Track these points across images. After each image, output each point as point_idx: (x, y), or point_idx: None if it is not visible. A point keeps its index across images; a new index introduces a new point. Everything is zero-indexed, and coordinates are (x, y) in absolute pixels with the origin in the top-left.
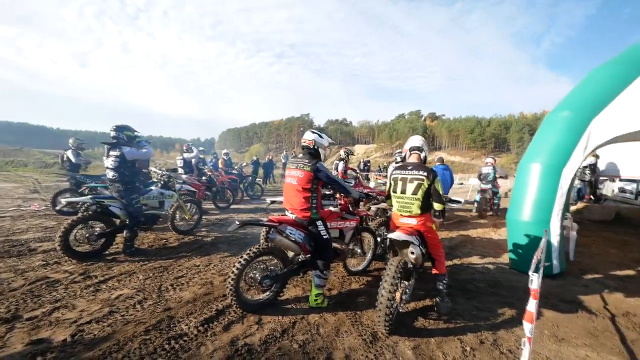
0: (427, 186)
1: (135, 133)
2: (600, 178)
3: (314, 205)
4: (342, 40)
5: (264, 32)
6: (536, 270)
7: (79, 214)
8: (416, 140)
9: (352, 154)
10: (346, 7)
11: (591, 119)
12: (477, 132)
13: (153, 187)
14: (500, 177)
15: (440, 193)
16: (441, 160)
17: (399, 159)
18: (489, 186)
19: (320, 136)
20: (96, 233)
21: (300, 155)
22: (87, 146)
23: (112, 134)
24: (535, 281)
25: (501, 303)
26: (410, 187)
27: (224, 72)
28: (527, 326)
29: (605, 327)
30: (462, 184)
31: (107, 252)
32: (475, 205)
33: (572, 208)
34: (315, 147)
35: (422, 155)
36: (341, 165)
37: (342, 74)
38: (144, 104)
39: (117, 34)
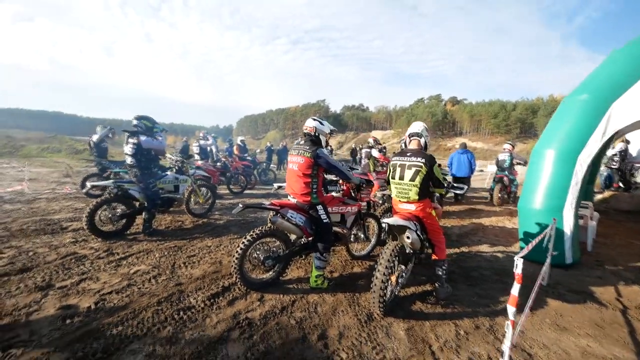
0: (425, 172)
1: (155, 124)
2: (635, 165)
3: (314, 190)
4: (359, 24)
5: (280, 18)
6: (543, 259)
7: (103, 197)
8: (416, 126)
9: (379, 142)
10: None
11: (611, 103)
12: (502, 117)
13: (168, 172)
14: (519, 163)
15: (440, 179)
16: (464, 145)
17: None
18: (505, 173)
19: (322, 123)
20: (118, 214)
21: (302, 141)
22: (117, 133)
23: (134, 122)
24: (519, 265)
25: (504, 291)
26: (409, 174)
27: (242, 60)
28: (510, 309)
29: (613, 319)
30: (482, 170)
31: (128, 232)
32: (491, 192)
33: (599, 197)
34: (317, 134)
35: (422, 141)
36: (375, 151)
37: (359, 59)
38: (166, 93)
39: (140, 24)
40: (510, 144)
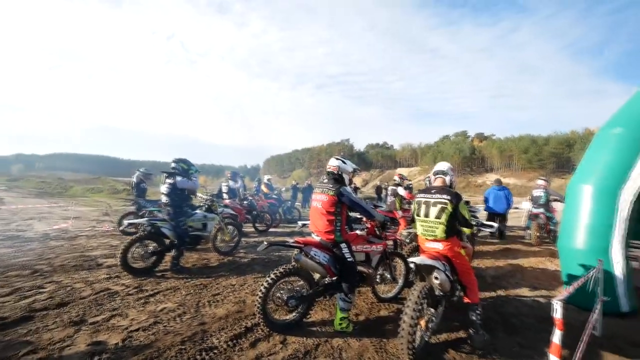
0: (451, 210)
1: (191, 166)
2: None
3: (337, 228)
4: (380, 68)
5: (305, 67)
6: (592, 306)
7: (137, 235)
8: (442, 165)
9: (405, 179)
10: (386, 38)
11: None
12: (533, 152)
13: (198, 211)
14: (555, 199)
15: (467, 217)
16: (498, 181)
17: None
18: (541, 210)
19: (344, 162)
20: (149, 251)
21: (326, 180)
22: (154, 175)
23: (172, 165)
24: (559, 310)
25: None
26: (434, 211)
27: (269, 103)
28: (553, 359)
29: None
30: (517, 208)
31: (157, 269)
32: (528, 232)
33: None
34: (339, 173)
35: (447, 179)
36: (401, 190)
37: (381, 99)
38: (198, 135)
39: (180, 76)
40: (543, 180)
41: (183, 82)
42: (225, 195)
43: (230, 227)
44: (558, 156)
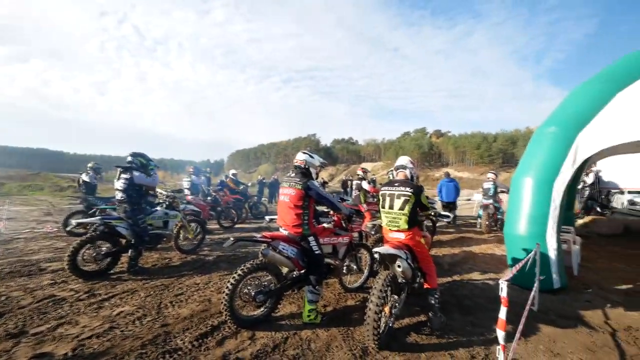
0: (413, 201)
1: (150, 161)
2: (611, 190)
3: (305, 222)
4: (348, 64)
5: (273, 60)
6: (531, 285)
7: (88, 235)
8: (402, 160)
9: (368, 172)
10: (353, 35)
11: (577, 134)
12: (484, 148)
13: (158, 208)
14: (502, 191)
15: (427, 205)
16: (447, 174)
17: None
18: (491, 201)
19: (311, 156)
20: (102, 252)
21: (293, 174)
22: (103, 170)
23: (128, 159)
24: (504, 289)
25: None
26: (398, 203)
27: (234, 96)
28: (500, 334)
29: (604, 342)
30: (469, 199)
31: (112, 271)
32: (479, 221)
33: (579, 222)
34: (307, 167)
35: (408, 172)
36: (365, 183)
37: (348, 96)
38: (156, 128)
39: (135, 65)
40: (493, 173)
41: (138, 70)
42: (187, 191)
43: (193, 224)
44: (504, 152)
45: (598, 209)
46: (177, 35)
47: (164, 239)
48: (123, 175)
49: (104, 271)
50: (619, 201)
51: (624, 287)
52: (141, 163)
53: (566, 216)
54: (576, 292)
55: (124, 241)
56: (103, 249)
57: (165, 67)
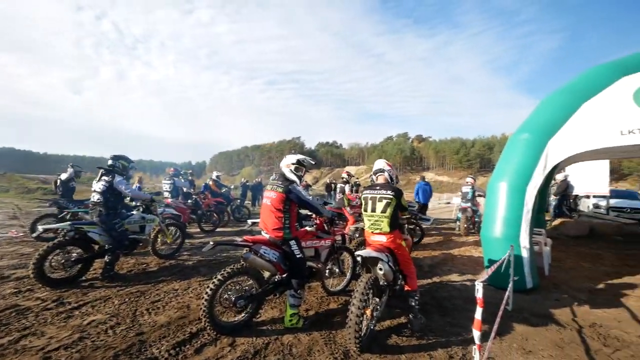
0: (395, 204)
1: (131, 163)
2: (578, 194)
3: (286, 225)
4: (333, 68)
5: (257, 62)
6: (506, 285)
7: (56, 240)
8: (379, 163)
9: (353, 176)
10: (338, 40)
11: (547, 141)
12: (463, 153)
13: (134, 212)
14: (480, 195)
15: (407, 207)
16: (423, 178)
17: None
18: (469, 204)
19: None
20: (73, 259)
21: (276, 177)
22: (83, 172)
23: (110, 162)
24: (480, 290)
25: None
26: (380, 206)
27: (218, 98)
28: (476, 334)
29: (572, 338)
30: (448, 203)
31: (83, 278)
32: (457, 223)
33: (550, 224)
34: (295, 167)
35: (387, 175)
36: (347, 187)
37: (332, 100)
38: (136, 129)
39: (114, 63)
40: (472, 178)
41: (118, 68)
42: (167, 194)
43: (172, 228)
44: (482, 157)
45: (566, 212)
46: (159, 34)
47: (141, 244)
48: (104, 178)
49: (74, 278)
50: (585, 205)
51: (589, 285)
52: (123, 166)
53: (538, 219)
54: (547, 291)
55: (96, 247)
56: (73, 255)
57: (147, 66)
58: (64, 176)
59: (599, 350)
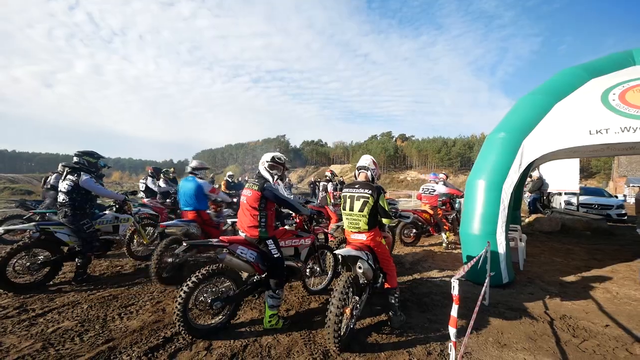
0: (372, 203)
1: (99, 158)
2: (551, 192)
3: (262, 224)
4: (318, 67)
5: (242, 59)
6: (483, 280)
7: (20, 242)
8: (364, 160)
9: (336, 175)
10: (323, 39)
11: (522, 140)
12: (444, 152)
13: (107, 211)
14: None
15: (387, 209)
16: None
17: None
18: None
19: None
20: (39, 262)
21: (255, 176)
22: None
23: (74, 159)
24: (456, 287)
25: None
26: (357, 205)
27: (200, 95)
28: (451, 330)
29: (543, 330)
30: None
31: (51, 283)
32: None
33: (525, 220)
34: (268, 168)
35: (369, 173)
36: (330, 185)
37: (318, 99)
38: (114, 126)
39: (89, 56)
40: (444, 174)
41: (93, 62)
42: (141, 194)
43: (149, 228)
44: (463, 156)
45: (540, 209)
46: (137, 27)
47: (115, 245)
48: (69, 177)
49: (41, 283)
50: (557, 202)
51: (560, 279)
52: (89, 162)
53: (513, 215)
54: (521, 285)
55: (65, 248)
56: (40, 257)
57: (125, 61)
58: (53, 177)
59: (568, 341)
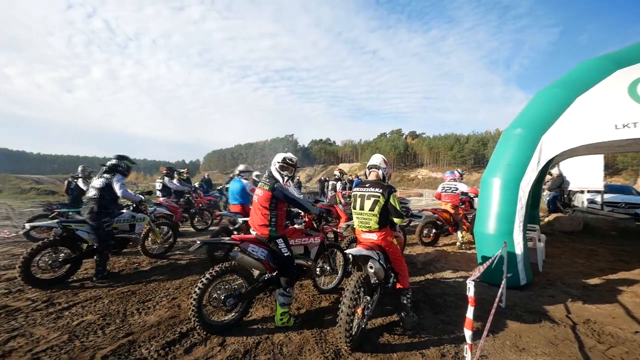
0: (383, 202)
1: (133, 165)
2: (572, 189)
3: (272, 223)
4: (326, 65)
5: (250, 60)
6: (500, 282)
7: (45, 240)
8: (375, 159)
9: (345, 173)
10: (331, 37)
11: (541, 136)
12: (457, 149)
13: (124, 210)
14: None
15: (398, 208)
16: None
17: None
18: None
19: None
20: (60, 259)
21: (266, 176)
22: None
23: (114, 161)
24: (471, 288)
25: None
26: (368, 204)
27: (210, 96)
28: (467, 333)
29: (565, 335)
30: None
31: (74, 278)
32: None
33: (544, 220)
34: (279, 168)
35: (380, 172)
36: (339, 185)
37: (326, 97)
38: (128, 128)
39: (105, 61)
40: (459, 172)
41: (109, 67)
42: (158, 193)
43: (163, 227)
44: (476, 153)
45: (560, 208)
46: (150, 32)
47: (131, 243)
48: (105, 175)
49: (62, 279)
50: (579, 200)
51: (583, 281)
52: (127, 166)
53: (532, 215)
54: (541, 287)
55: (85, 246)
56: (61, 254)
57: (138, 65)
58: (81, 182)
59: (593, 347)
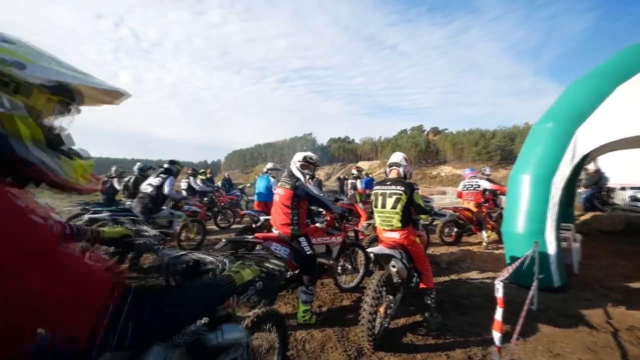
0: (405, 200)
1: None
2: (612, 186)
3: (294, 222)
4: (343, 63)
5: (268, 60)
6: (530, 283)
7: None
8: (396, 156)
9: (363, 171)
10: (348, 34)
11: (575, 130)
12: (482, 145)
13: (164, 207)
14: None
15: (422, 205)
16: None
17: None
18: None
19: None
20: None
21: (286, 174)
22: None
23: (167, 165)
24: (500, 290)
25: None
26: (390, 202)
27: (230, 98)
28: (496, 335)
29: (606, 342)
30: None
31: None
32: None
33: (580, 219)
34: (299, 167)
35: (401, 170)
36: (359, 183)
37: (344, 95)
38: (154, 130)
39: (131, 67)
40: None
41: (135, 72)
42: (184, 192)
43: (196, 224)
44: (503, 148)
45: (598, 206)
46: (172, 37)
47: (168, 238)
48: (162, 175)
49: None
50: (620, 197)
51: (625, 285)
52: (178, 170)
53: (566, 213)
54: (577, 290)
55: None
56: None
57: (162, 69)
58: (116, 183)
59: (638, 356)
